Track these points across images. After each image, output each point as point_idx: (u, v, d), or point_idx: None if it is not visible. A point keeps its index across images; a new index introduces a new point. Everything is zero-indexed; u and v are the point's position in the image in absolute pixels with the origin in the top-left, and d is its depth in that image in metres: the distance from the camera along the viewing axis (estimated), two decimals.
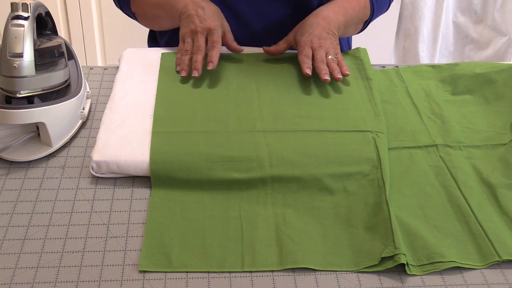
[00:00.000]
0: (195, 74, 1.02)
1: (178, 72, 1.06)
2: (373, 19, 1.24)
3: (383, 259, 0.75)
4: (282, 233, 0.78)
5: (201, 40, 1.06)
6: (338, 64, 1.07)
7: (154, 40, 1.36)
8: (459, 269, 0.75)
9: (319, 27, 1.10)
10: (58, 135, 0.91)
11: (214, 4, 1.12)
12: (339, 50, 1.10)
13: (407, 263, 0.74)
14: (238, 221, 0.80)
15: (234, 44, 1.12)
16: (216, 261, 0.74)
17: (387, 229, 0.77)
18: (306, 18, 1.14)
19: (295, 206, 0.83)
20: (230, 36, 1.12)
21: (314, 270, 0.74)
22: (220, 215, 0.81)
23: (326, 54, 1.07)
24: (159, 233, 0.77)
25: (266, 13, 1.20)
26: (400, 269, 0.74)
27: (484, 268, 0.75)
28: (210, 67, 1.03)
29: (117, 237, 0.77)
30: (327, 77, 1.03)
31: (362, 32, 1.25)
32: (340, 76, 1.05)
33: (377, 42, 1.65)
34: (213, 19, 1.08)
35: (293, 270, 0.74)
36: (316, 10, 1.15)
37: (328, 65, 1.06)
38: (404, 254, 0.73)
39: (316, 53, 1.07)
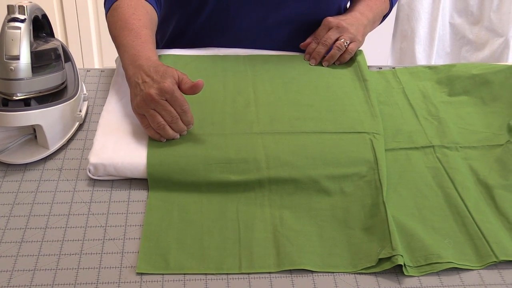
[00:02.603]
0: (185, 133, 0.91)
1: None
2: (390, 13, 1.29)
3: (381, 260, 0.75)
4: (279, 234, 0.78)
5: (167, 106, 0.88)
6: (342, 53, 1.13)
7: None
8: (456, 270, 0.75)
9: (352, 17, 1.18)
10: (55, 138, 0.91)
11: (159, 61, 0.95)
12: (356, 40, 1.14)
13: (405, 264, 0.74)
14: (235, 223, 0.80)
15: (192, 85, 0.90)
16: (214, 262, 0.74)
17: (384, 230, 0.77)
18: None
19: (292, 207, 0.83)
20: (186, 80, 0.90)
21: (312, 272, 0.74)
22: (217, 217, 0.81)
23: (339, 37, 1.13)
24: (157, 235, 0.77)
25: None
26: (398, 270, 0.74)
27: (481, 269, 0.76)
28: (189, 128, 0.91)
29: (114, 239, 0.77)
30: (312, 62, 1.14)
31: None
32: (326, 64, 1.13)
33: (374, 44, 1.65)
34: (165, 77, 0.88)
35: (290, 271, 0.74)
36: (347, 11, 1.23)
37: (332, 49, 1.12)
38: (402, 255, 0.73)
39: (328, 33, 1.14)
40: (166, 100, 0.88)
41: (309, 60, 1.14)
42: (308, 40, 1.17)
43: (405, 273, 0.74)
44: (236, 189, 0.85)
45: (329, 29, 1.15)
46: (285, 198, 0.84)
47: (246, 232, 0.78)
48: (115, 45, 1.03)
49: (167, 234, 0.77)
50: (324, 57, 1.14)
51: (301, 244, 0.77)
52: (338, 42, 1.12)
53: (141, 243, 0.76)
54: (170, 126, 0.89)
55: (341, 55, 1.13)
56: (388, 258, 0.74)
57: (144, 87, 0.89)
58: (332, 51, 1.13)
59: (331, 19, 1.16)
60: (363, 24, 1.17)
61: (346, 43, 1.12)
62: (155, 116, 0.88)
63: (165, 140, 0.90)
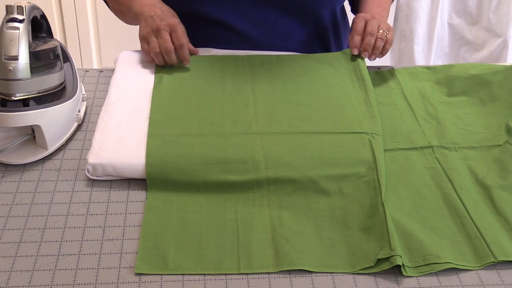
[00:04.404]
0: (185, 64, 1.08)
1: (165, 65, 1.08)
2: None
3: (379, 261, 0.75)
4: (278, 235, 0.78)
5: (167, 37, 1.06)
6: (384, 44, 1.12)
7: None
8: (455, 270, 0.75)
9: (376, 14, 1.17)
10: (53, 138, 0.91)
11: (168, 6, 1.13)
12: (392, 31, 1.14)
13: (403, 265, 0.74)
14: (234, 223, 0.80)
15: (190, 46, 1.11)
16: (212, 263, 0.74)
17: (383, 230, 0.77)
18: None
19: (291, 208, 0.83)
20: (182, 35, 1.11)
21: (310, 272, 0.74)
22: (216, 217, 0.81)
23: (378, 27, 1.12)
24: (155, 236, 0.77)
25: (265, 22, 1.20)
26: (396, 271, 0.74)
27: (479, 269, 0.76)
28: (185, 64, 1.07)
29: (113, 239, 0.77)
30: (365, 55, 1.12)
31: None
32: (373, 58, 1.12)
33: None
34: (172, 17, 1.09)
35: (289, 271, 0.74)
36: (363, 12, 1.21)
37: (375, 40, 1.11)
38: (400, 256, 0.73)
39: (368, 24, 1.13)
40: (169, 34, 1.06)
41: (353, 53, 1.12)
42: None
43: (404, 273, 0.74)
44: (234, 189, 0.85)
45: (366, 21, 1.13)
46: (283, 198, 0.84)
47: (245, 233, 0.78)
48: (121, 9, 1.18)
49: (166, 235, 0.77)
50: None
51: (299, 244, 0.77)
52: (378, 33, 1.11)
53: (140, 243, 0.76)
54: (163, 56, 1.06)
55: (383, 46, 1.11)
56: (387, 259, 0.74)
57: (155, 19, 1.06)
58: (377, 43, 1.11)
59: (363, 14, 1.15)
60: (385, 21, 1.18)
61: (386, 33, 1.11)
62: (154, 42, 1.06)
63: (162, 62, 1.07)
